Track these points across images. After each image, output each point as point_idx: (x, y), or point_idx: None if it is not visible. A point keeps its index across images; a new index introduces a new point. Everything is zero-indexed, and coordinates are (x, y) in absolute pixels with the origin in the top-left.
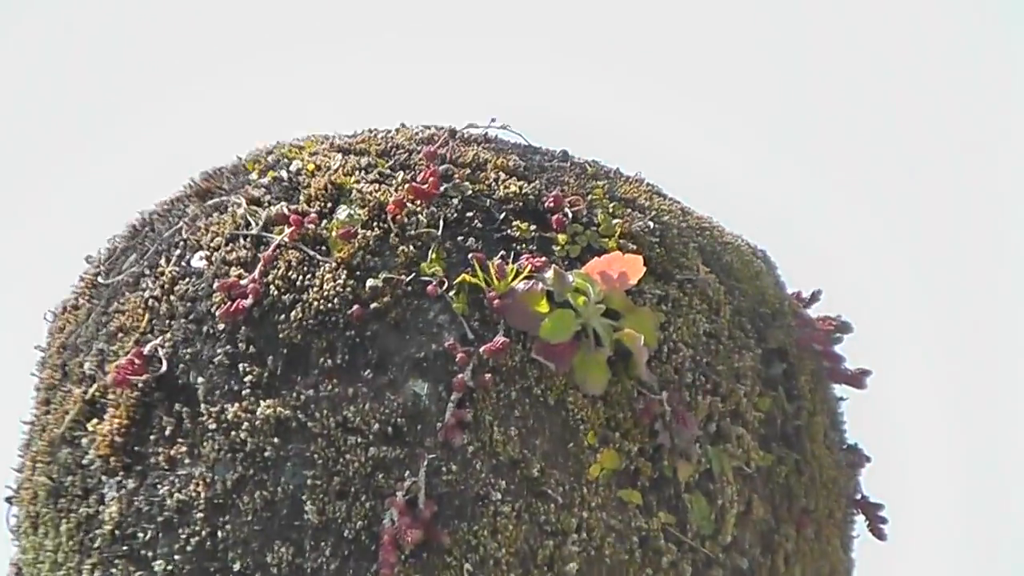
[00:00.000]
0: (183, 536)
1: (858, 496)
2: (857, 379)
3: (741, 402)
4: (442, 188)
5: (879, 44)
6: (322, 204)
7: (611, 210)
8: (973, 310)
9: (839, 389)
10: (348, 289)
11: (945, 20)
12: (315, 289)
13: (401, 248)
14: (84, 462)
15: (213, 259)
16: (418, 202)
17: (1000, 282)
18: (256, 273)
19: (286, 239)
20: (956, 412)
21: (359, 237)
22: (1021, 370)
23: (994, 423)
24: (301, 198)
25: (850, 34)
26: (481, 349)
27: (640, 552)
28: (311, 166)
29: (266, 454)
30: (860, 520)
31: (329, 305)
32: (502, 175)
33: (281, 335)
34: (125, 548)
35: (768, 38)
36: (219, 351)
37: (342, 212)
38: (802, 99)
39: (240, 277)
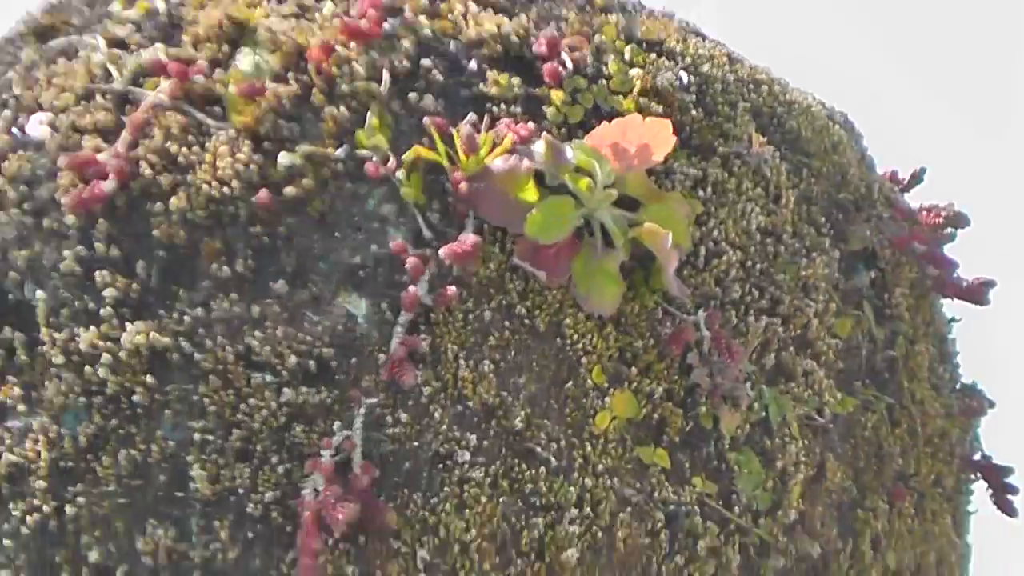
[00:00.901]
0: (16, 513)
1: (977, 456)
2: (977, 293)
3: (811, 325)
4: (387, 25)
5: None
6: (215, 48)
7: (628, 57)
8: None
9: (950, 306)
10: (253, 167)
11: None
12: (205, 167)
13: (328, 110)
14: None
15: (58, 124)
16: (353, 45)
17: None
18: (120, 144)
19: (163, 97)
20: None
21: (268, 95)
22: None
23: None
24: (185, 39)
25: None
26: (441, 252)
27: (667, 534)
28: None
29: (135, 398)
30: (980, 489)
31: (226, 190)
32: (473, 6)
33: (156, 232)
34: None
35: None
36: (67, 255)
37: (244, 59)
38: None
39: (97, 150)
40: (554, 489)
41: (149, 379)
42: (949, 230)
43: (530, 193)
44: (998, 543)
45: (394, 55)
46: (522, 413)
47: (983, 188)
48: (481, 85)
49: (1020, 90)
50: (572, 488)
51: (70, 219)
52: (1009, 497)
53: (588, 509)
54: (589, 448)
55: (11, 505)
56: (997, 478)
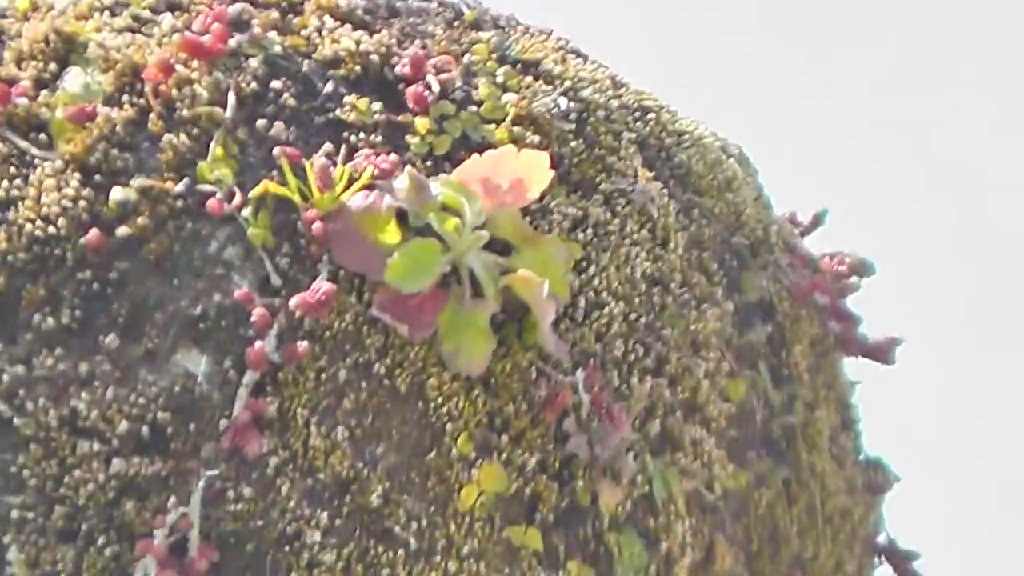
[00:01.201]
0: None
1: (881, 538)
2: (883, 351)
3: (701, 386)
4: (233, 42)
5: None
6: (40, 66)
7: (501, 79)
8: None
9: (853, 366)
10: (82, 204)
11: None
12: (28, 203)
13: (167, 139)
14: None
15: None
16: (195, 64)
17: None
18: None
19: None
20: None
21: (100, 120)
22: None
23: None
24: (7, 56)
25: None
26: (292, 302)
27: None
28: (23, 2)
29: None
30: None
31: (51, 229)
32: (329, 21)
33: None
34: None
35: None
36: None
37: (73, 79)
38: None
39: None
40: (413, 574)
41: None
42: (853, 279)
43: (391, 235)
44: None
45: (241, 76)
46: (379, 487)
47: (890, 231)
48: (337, 110)
49: (931, 131)
50: (433, 573)
51: None
52: None
53: None
54: (453, 528)
55: None
56: (903, 565)
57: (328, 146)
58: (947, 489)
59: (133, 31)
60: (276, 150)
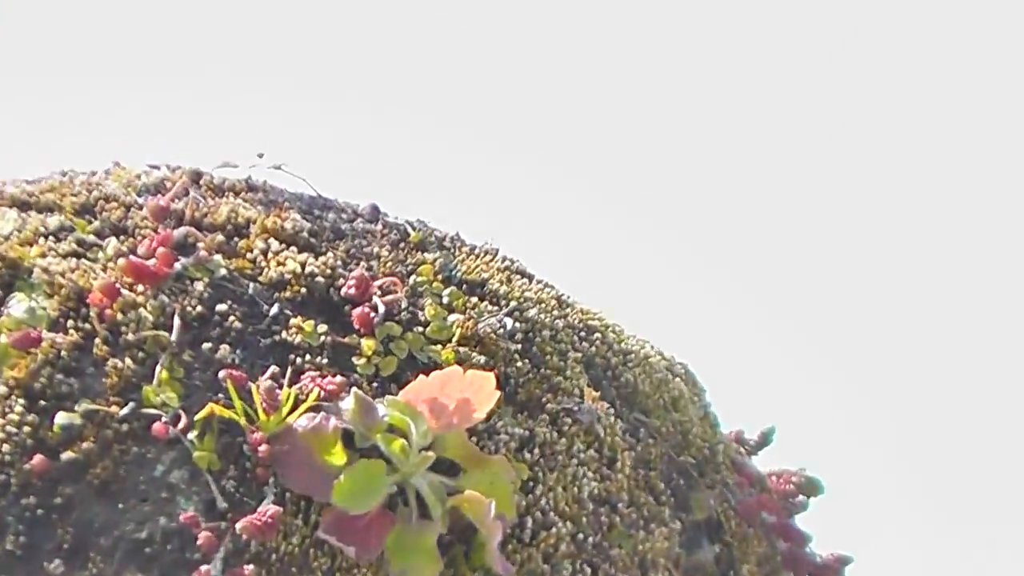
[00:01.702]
0: None
1: None
2: (832, 571)
3: None
4: (178, 265)
5: None
6: None
7: (446, 300)
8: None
9: None
10: (26, 429)
11: None
12: None
13: (112, 363)
14: None
15: None
16: (140, 288)
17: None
18: None
19: None
20: None
21: (44, 345)
22: None
23: None
24: None
25: None
26: (238, 525)
27: None
28: None
29: None
30: None
31: None
32: (275, 243)
33: None
34: None
35: None
36: None
37: (18, 305)
38: None
39: None
40: None
41: None
42: (800, 498)
43: (338, 456)
44: None
45: (186, 299)
46: None
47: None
48: (284, 332)
49: (879, 349)
50: None
51: None
52: None
53: None
54: None
55: None
56: None
57: (274, 368)
58: None
59: (78, 256)
60: (222, 373)
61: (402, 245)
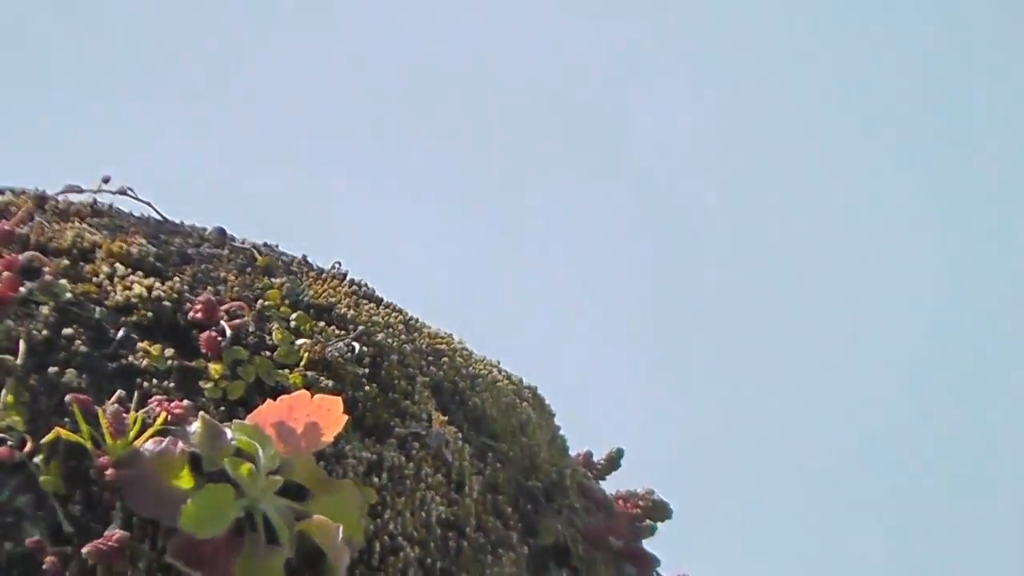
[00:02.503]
0: None
1: None
2: None
3: None
4: (24, 289)
5: None
6: None
7: (294, 324)
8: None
9: None
10: None
11: None
12: None
13: None
14: None
15: None
16: None
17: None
18: None
19: None
20: None
21: None
22: None
23: None
24: None
25: None
26: (84, 550)
27: None
28: None
29: None
30: None
31: None
32: (120, 268)
33: None
34: None
35: None
36: None
37: None
38: None
39: None
40: None
41: None
42: (648, 522)
43: (185, 480)
44: None
45: (32, 323)
46: None
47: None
48: (130, 356)
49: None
50: None
51: None
52: None
53: None
54: None
55: None
56: None
57: (121, 392)
58: None
59: None
60: (68, 397)
61: (249, 269)
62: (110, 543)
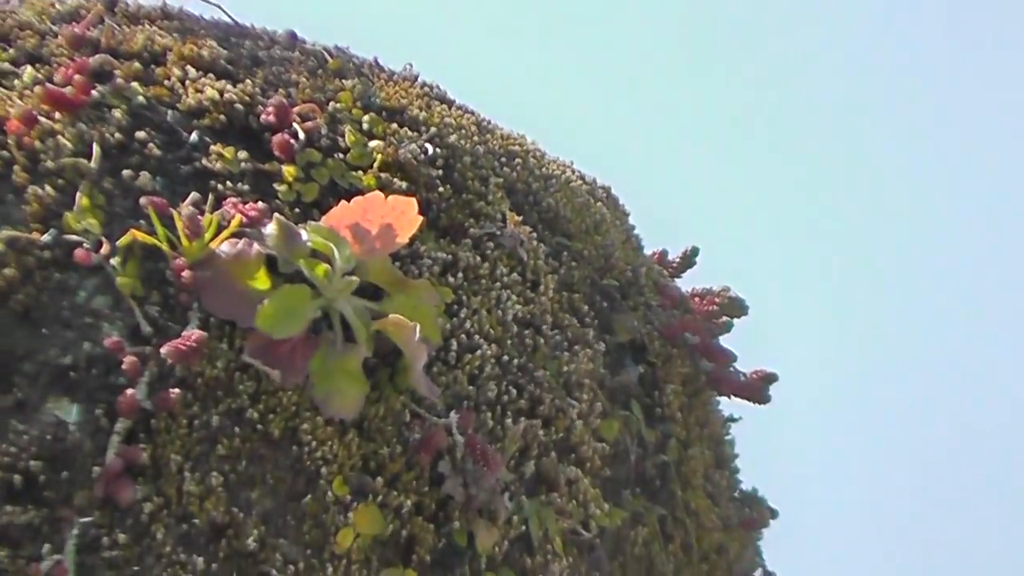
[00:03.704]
0: None
1: (758, 573)
2: (755, 389)
3: (575, 427)
4: (96, 93)
5: None
6: None
7: (366, 127)
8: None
9: (728, 404)
10: None
11: None
12: None
13: (32, 190)
14: None
15: None
16: (58, 115)
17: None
18: None
19: None
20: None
21: None
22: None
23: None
24: None
25: None
26: (162, 350)
27: None
28: None
29: None
30: None
31: None
32: (192, 71)
33: None
34: None
35: None
36: None
37: None
38: None
39: None
40: None
41: None
42: (725, 319)
43: (261, 282)
44: None
45: (105, 127)
46: (255, 532)
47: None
48: (204, 160)
49: (812, 165)
50: None
51: None
52: None
53: None
54: (331, 570)
55: None
56: None
57: (195, 195)
58: (828, 523)
59: None
60: (143, 199)
61: (320, 72)
62: (188, 343)
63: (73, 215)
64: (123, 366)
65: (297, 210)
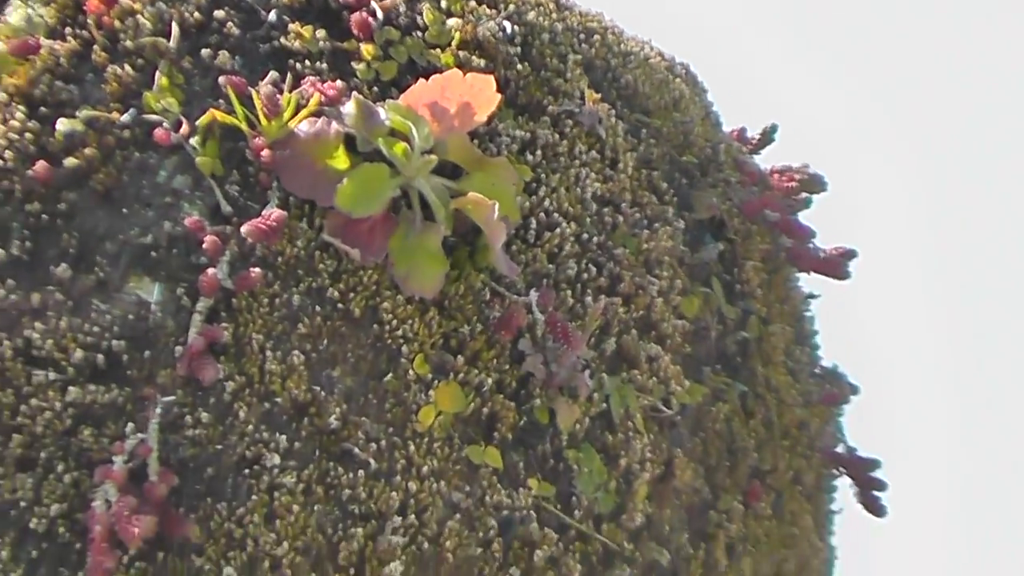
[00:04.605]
0: None
1: (840, 449)
2: (835, 265)
3: (655, 304)
4: None
5: None
6: None
7: (444, 4)
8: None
9: (807, 281)
10: (28, 136)
11: None
12: None
13: (112, 70)
14: None
15: None
16: None
17: None
18: None
19: None
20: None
21: (43, 52)
22: None
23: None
24: None
25: None
26: (243, 229)
27: (500, 543)
28: None
29: None
30: (844, 485)
31: None
32: None
33: None
34: None
35: None
36: None
37: (15, 12)
38: None
39: None
40: (374, 495)
41: None
42: (804, 195)
43: (340, 161)
44: (860, 543)
45: (184, 6)
46: (337, 410)
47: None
48: (282, 39)
49: (882, 44)
50: (394, 493)
51: None
52: (876, 494)
53: (412, 517)
54: (412, 448)
55: None
56: (862, 473)
57: (274, 74)
58: (907, 399)
59: None
60: (222, 79)
61: None
62: (268, 222)
63: (152, 95)
64: (204, 245)
65: (375, 89)
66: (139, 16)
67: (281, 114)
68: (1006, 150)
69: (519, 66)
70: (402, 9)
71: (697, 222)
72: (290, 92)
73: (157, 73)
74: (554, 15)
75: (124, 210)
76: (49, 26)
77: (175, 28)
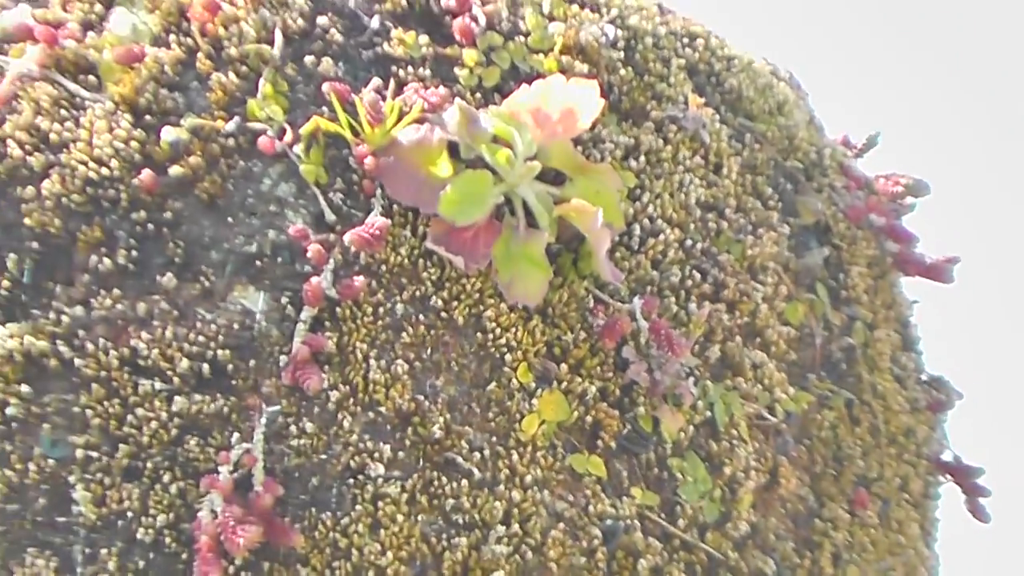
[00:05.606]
0: None
1: (946, 456)
2: (940, 271)
3: (759, 311)
4: None
5: None
6: (87, 7)
7: (547, 9)
8: None
9: (911, 285)
10: (133, 144)
11: None
12: (81, 145)
13: (216, 77)
14: None
15: None
16: (241, 2)
17: None
18: None
19: (32, 66)
20: None
21: (148, 61)
22: None
23: None
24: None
25: None
26: (346, 237)
27: (604, 552)
28: None
29: (9, 411)
30: (948, 491)
31: (104, 171)
32: None
33: (28, 221)
34: None
35: None
36: None
37: (120, 21)
38: None
39: None
40: (478, 504)
41: (24, 389)
42: (909, 200)
43: (443, 168)
44: (968, 551)
45: (287, 13)
46: (441, 419)
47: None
48: (385, 45)
49: (983, 51)
50: (498, 503)
51: None
52: (980, 501)
53: (516, 526)
54: (516, 457)
55: None
56: (968, 481)
57: (377, 81)
58: (1010, 404)
59: None
60: (325, 86)
61: None
62: (372, 230)
63: (256, 102)
64: (308, 254)
65: (478, 95)
66: (243, 23)
67: (384, 121)
68: None
69: (622, 71)
70: (504, 14)
71: (802, 227)
72: (393, 99)
73: (261, 80)
74: (657, 19)
75: (229, 219)
76: (154, 34)
77: (279, 35)
